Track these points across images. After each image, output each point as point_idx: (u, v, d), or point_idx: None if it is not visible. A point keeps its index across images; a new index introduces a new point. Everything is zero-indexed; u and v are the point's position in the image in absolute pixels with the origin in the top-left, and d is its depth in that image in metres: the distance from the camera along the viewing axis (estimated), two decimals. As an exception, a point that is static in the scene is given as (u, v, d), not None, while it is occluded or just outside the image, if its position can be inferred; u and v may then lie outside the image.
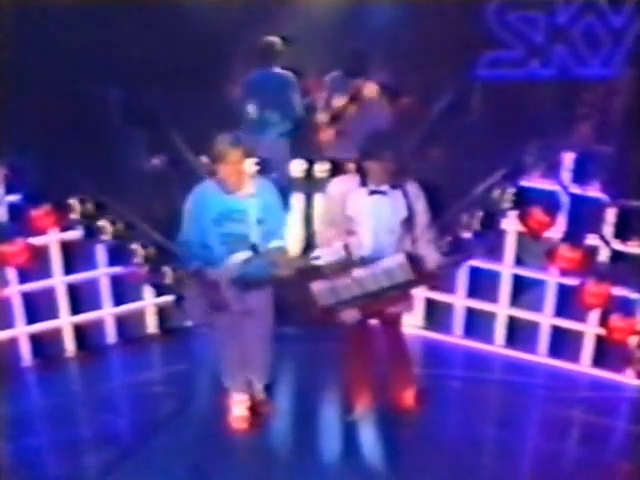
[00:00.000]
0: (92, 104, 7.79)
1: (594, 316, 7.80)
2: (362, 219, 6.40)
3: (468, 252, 7.68)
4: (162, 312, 8.41)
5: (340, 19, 8.55)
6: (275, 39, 8.75)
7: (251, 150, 6.60)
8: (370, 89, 8.52)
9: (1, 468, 6.42)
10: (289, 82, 8.84)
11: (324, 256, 6.38)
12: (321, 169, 9.03)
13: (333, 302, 6.34)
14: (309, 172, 9.10)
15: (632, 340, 7.55)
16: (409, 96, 8.41)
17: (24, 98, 7.50)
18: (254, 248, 6.43)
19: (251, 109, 8.82)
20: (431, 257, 6.44)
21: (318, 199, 8.98)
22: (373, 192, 6.37)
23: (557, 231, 7.72)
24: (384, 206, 6.38)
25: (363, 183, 6.40)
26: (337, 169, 8.82)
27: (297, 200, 9.06)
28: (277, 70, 8.83)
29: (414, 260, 6.28)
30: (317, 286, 6.33)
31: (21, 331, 7.86)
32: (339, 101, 8.68)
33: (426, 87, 8.09)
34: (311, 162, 9.08)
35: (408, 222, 6.41)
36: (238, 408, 6.91)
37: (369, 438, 6.79)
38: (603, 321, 7.68)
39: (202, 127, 7.98)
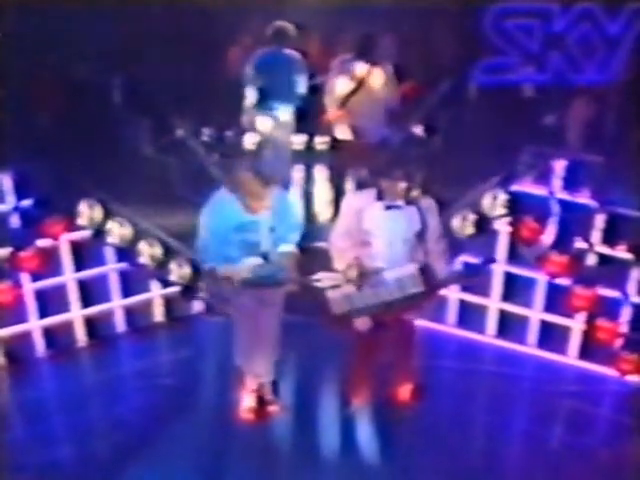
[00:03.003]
0: (97, 106, 8.01)
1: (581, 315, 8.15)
2: (378, 232, 6.74)
3: (477, 270, 8.03)
4: (168, 302, 8.73)
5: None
6: (286, 24, 8.84)
7: (272, 179, 6.79)
8: (378, 76, 8.72)
9: (16, 452, 6.82)
10: (296, 64, 8.95)
11: (324, 280, 6.73)
12: (321, 141, 9.22)
13: (347, 310, 6.74)
14: (309, 144, 9.28)
15: (617, 342, 7.91)
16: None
17: (28, 101, 7.73)
18: (265, 256, 6.81)
19: (251, 94, 8.97)
20: (441, 269, 6.86)
21: (318, 171, 9.24)
22: (389, 207, 6.70)
23: (547, 237, 8.00)
24: (399, 220, 6.72)
25: (379, 197, 6.73)
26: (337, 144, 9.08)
27: (297, 172, 9.28)
28: (285, 51, 8.93)
29: (425, 272, 6.69)
30: (333, 294, 6.73)
31: (35, 325, 8.20)
32: (347, 85, 8.87)
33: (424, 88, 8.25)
34: (311, 134, 9.26)
35: (421, 235, 6.78)
36: (247, 399, 7.26)
37: (364, 430, 7.16)
38: (590, 323, 8.02)
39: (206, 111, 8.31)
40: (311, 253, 7.33)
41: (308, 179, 9.25)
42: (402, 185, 6.62)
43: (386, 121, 8.91)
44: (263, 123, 9.08)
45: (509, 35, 7.84)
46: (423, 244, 6.80)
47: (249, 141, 9.10)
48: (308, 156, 9.17)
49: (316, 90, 9.09)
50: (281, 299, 7.06)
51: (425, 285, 6.67)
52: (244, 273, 6.79)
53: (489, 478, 6.77)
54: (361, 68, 8.77)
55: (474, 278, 8.27)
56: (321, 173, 9.27)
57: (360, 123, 9.00)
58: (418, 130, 8.75)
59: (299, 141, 9.20)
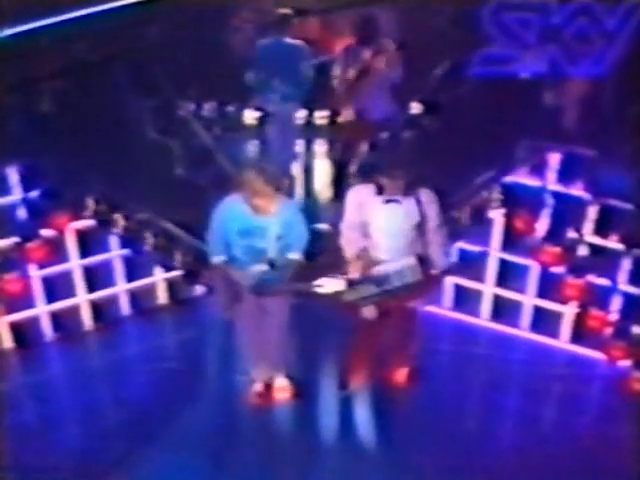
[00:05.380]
0: (100, 94, 8.14)
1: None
2: (377, 225, 7.00)
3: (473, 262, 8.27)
4: (172, 285, 8.92)
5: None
6: (288, 11, 8.89)
7: (279, 181, 6.99)
8: (382, 59, 8.84)
9: (27, 431, 7.12)
10: (301, 53, 9.01)
11: (326, 286, 7.02)
12: (321, 115, 9.34)
13: (355, 299, 7.01)
14: (309, 119, 9.39)
15: (607, 330, 8.16)
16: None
17: (31, 95, 7.88)
18: (271, 263, 7.01)
19: (252, 78, 9.03)
20: (440, 260, 7.12)
21: (319, 146, 9.38)
22: (388, 201, 6.94)
23: (540, 229, 8.22)
24: (398, 213, 6.97)
25: (379, 192, 6.96)
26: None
27: (298, 147, 9.42)
28: (289, 40, 8.99)
29: (424, 263, 6.97)
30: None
31: (43, 310, 8.43)
32: (352, 74, 8.99)
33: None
34: (311, 110, 9.37)
35: (420, 227, 7.02)
36: (255, 385, 7.51)
37: (362, 411, 7.40)
38: (581, 311, 8.26)
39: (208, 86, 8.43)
40: (313, 235, 7.44)
41: (308, 154, 9.35)
42: (401, 183, 6.85)
43: (389, 99, 9.02)
44: (268, 108, 9.16)
45: (507, 28, 7.91)
46: (422, 235, 7.04)
47: (249, 116, 9.19)
48: (308, 131, 9.26)
49: (317, 69, 9.16)
50: (286, 310, 7.24)
51: (424, 275, 6.93)
52: (249, 279, 7.01)
53: (483, 458, 6.99)
54: (366, 55, 8.86)
55: (471, 268, 8.47)
56: (321, 148, 9.38)
57: (365, 103, 9.13)
58: (417, 108, 8.86)
59: (299, 116, 9.30)
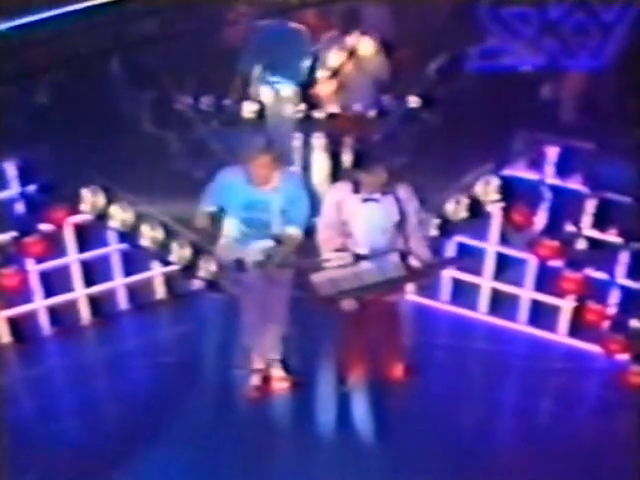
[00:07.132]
0: (98, 88, 8.14)
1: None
2: (356, 224, 7.00)
3: (457, 257, 8.28)
4: (169, 279, 8.90)
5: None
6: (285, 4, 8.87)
7: (281, 154, 7.05)
8: (365, 45, 8.79)
9: (25, 425, 7.12)
10: (301, 38, 8.97)
11: (334, 260, 6.93)
12: (319, 110, 9.30)
13: (333, 292, 6.97)
14: (308, 113, 9.36)
15: (605, 323, 8.16)
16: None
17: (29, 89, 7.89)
18: (276, 238, 7.00)
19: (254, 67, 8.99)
20: (422, 254, 7.09)
21: (316, 139, 9.35)
22: (366, 200, 6.92)
23: (538, 222, 8.21)
24: (377, 212, 6.98)
25: (356, 190, 6.92)
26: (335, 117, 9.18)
27: (297, 140, 9.40)
28: (290, 25, 8.96)
29: (407, 258, 6.93)
30: (318, 278, 6.94)
31: (40, 304, 8.42)
32: (337, 59, 8.93)
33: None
34: (311, 104, 9.34)
35: (400, 224, 7.01)
36: (253, 377, 7.47)
37: (360, 407, 7.41)
38: (579, 305, 8.26)
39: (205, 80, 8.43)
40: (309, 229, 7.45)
41: (306, 148, 9.33)
42: (380, 179, 6.85)
43: (378, 92, 8.98)
44: (266, 96, 9.12)
45: (505, 22, 7.91)
46: (403, 232, 7.04)
47: (247, 109, 9.16)
48: (307, 125, 9.23)
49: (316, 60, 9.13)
50: (290, 278, 7.23)
51: (407, 270, 6.92)
52: (256, 255, 6.97)
53: (481, 452, 6.99)
54: (350, 39, 8.81)
55: (459, 263, 8.48)
56: (319, 141, 9.35)
57: (352, 95, 9.08)
58: (414, 101, 8.83)
59: (298, 109, 9.27)
